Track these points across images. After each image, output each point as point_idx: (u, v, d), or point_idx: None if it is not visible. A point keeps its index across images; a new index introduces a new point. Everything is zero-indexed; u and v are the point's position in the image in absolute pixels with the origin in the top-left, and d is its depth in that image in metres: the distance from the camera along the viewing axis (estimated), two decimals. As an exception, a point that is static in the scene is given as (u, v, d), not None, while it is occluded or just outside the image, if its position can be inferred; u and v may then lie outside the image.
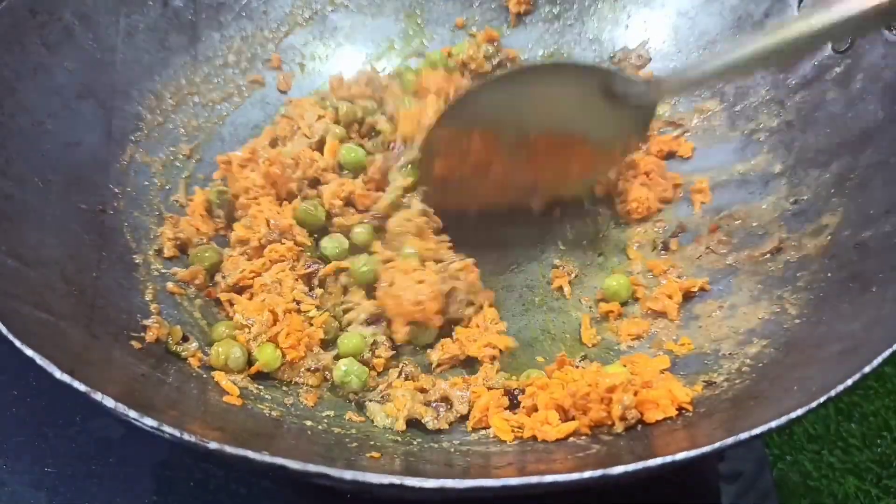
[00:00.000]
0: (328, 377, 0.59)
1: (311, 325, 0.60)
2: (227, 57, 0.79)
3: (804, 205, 0.62)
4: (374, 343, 0.60)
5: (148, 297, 0.59)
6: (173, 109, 0.74)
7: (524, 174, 0.68)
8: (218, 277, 0.64)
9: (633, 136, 0.68)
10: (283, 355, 0.57)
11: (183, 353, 0.56)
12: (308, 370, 0.58)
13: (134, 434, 0.59)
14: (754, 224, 0.65)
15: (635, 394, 0.50)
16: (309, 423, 0.53)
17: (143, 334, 0.55)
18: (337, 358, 0.59)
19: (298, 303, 0.61)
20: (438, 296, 0.60)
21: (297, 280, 0.62)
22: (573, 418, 0.51)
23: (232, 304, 0.61)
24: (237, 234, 0.65)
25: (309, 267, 0.64)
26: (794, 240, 0.61)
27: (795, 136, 0.66)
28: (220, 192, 0.68)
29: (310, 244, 0.66)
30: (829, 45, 0.65)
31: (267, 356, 0.57)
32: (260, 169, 0.67)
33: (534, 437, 0.51)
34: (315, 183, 0.70)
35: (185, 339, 0.57)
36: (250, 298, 0.61)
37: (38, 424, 0.60)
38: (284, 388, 0.58)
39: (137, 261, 0.62)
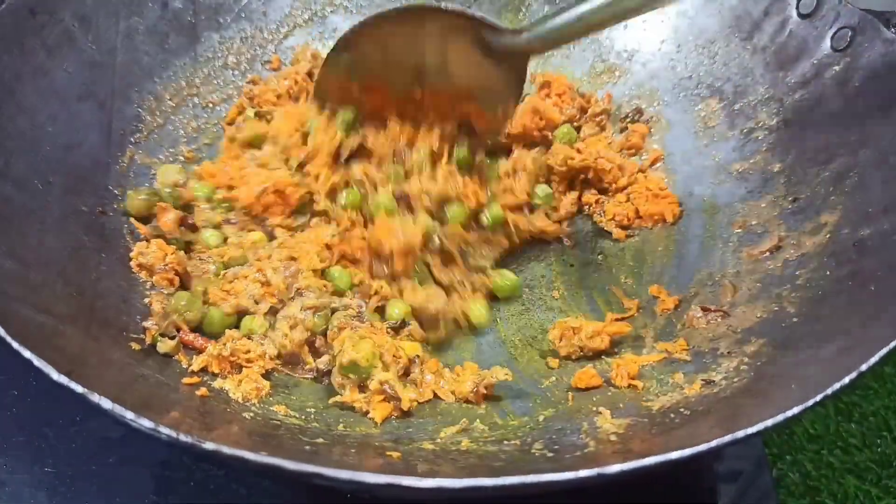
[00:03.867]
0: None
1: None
2: (227, 58, 0.79)
3: (803, 203, 0.62)
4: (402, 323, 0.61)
5: (147, 299, 0.59)
6: (173, 111, 0.74)
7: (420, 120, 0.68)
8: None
9: (510, 94, 0.68)
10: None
11: (159, 347, 0.55)
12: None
13: (134, 434, 0.57)
14: (753, 222, 0.65)
15: None
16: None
17: (142, 336, 0.55)
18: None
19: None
20: None
21: None
22: None
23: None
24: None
25: None
26: (793, 238, 0.61)
27: (794, 134, 0.66)
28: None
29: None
30: (829, 44, 0.65)
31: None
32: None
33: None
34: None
35: (172, 336, 0.55)
36: None
37: (38, 424, 0.60)
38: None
39: (137, 262, 0.62)
